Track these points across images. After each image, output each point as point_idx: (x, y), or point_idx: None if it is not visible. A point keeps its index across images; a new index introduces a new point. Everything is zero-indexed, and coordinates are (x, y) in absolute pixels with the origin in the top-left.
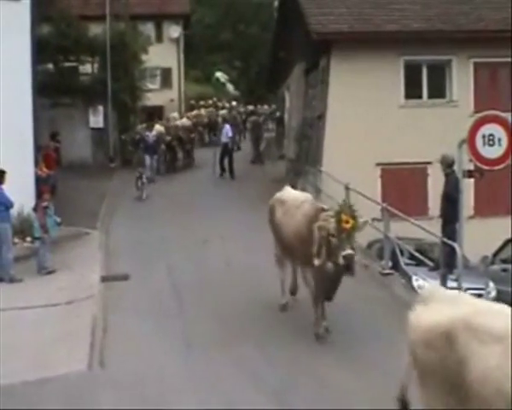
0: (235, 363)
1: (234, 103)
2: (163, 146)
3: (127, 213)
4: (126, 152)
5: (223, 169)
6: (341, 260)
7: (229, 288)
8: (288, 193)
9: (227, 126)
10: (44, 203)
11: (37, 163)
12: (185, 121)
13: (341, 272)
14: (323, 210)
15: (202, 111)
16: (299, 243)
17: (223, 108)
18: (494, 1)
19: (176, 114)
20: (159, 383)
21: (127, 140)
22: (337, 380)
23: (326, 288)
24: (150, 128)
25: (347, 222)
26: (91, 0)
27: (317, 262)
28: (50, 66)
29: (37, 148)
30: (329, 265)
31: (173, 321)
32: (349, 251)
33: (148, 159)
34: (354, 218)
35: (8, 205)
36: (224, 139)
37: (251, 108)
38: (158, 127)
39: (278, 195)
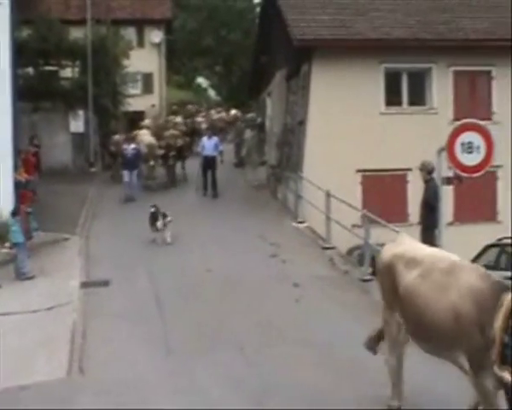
0: (216, 367)
1: (234, 111)
2: (152, 162)
3: (107, 219)
4: (108, 158)
5: (206, 187)
6: None
7: (209, 293)
8: (416, 247)
9: (215, 139)
10: (28, 209)
11: (16, 168)
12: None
13: None
14: (507, 289)
15: (178, 119)
16: (455, 328)
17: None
18: (474, 10)
19: (147, 121)
20: (139, 389)
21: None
22: (317, 382)
23: None
24: (129, 141)
25: None
26: (72, 4)
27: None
28: (30, 70)
29: (17, 152)
30: None
31: (153, 327)
32: None
33: (126, 175)
34: None
35: None
36: (209, 152)
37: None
38: (148, 138)
39: (399, 249)
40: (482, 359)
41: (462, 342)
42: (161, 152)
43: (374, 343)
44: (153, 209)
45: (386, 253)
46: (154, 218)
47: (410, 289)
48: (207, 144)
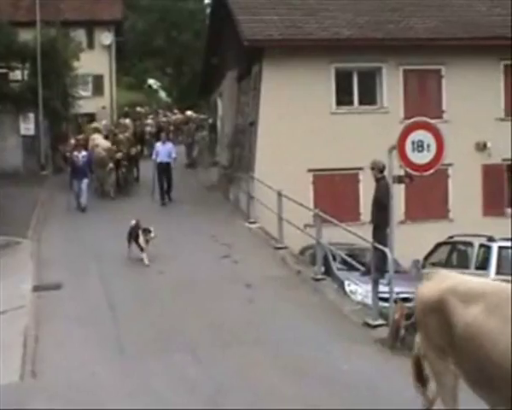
0: (169, 369)
1: (188, 113)
2: (111, 165)
3: (59, 222)
4: (60, 161)
5: (163, 196)
6: None
7: (161, 295)
8: (467, 279)
9: (170, 145)
10: None
11: None
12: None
13: None
14: None
15: (127, 121)
16: None
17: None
18: (423, 9)
19: (95, 124)
20: (92, 393)
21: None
22: (270, 383)
23: None
24: (79, 148)
25: None
26: (21, 5)
27: None
28: None
29: None
30: None
31: (106, 330)
32: None
33: (76, 184)
34: None
35: None
36: (164, 158)
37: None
38: (104, 142)
39: (448, 283)
40: None
41: None
42: (119, 156)
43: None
44: (133, 223)
45: (431, 290)
46: (133, 233)
47: (472, 328)
48: (162, 150)
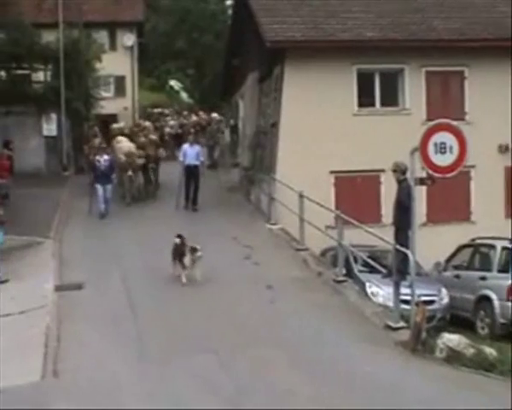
0: (190, 370)
1: (214, 115)
2: (130, 172)
3: (81, 223)
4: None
5: (188, 199)
6: None
7: (182, 296)
8: None
9: (198, 146)
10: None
11: None
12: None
13: None
14: None
15: (147, 123)
16: None
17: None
18: (446, 11)
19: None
20: (113, 393)
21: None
22: (290, 384)
23: None
24: (101, 152)
25: None
26: (44, 7)
27: None
28: (3, 73)
29: None
30: None
31: (127, 330)
32: None
33: (100, 189)
34: None
35: None
36: (192, 161)
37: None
38: (127, 145)
39: None
40: None
41: None
42: (141, 162)
43: None
44: (177, 240)
45: None
46: (178, 251)
47: None
48: (190, 152)
